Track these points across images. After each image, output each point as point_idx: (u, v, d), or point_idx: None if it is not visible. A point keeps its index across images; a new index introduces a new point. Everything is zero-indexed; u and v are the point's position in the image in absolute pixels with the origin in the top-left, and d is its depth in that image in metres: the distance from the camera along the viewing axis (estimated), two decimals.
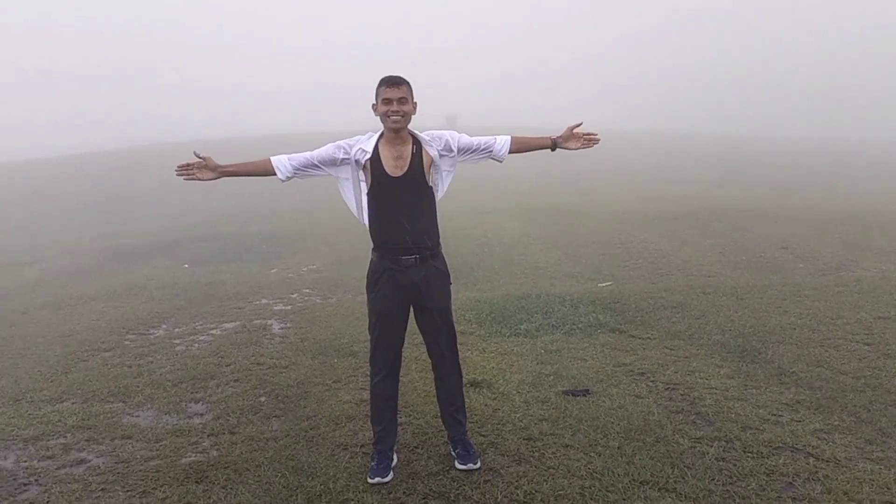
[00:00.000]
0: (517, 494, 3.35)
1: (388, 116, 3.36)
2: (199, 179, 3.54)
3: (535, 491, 3.37)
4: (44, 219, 20.68)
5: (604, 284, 8.64)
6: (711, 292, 7.57)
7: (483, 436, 4.00)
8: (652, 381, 4.89)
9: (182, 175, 3.53)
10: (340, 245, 12.49)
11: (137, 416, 4.65)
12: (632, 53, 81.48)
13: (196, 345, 6.50)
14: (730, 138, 43.13)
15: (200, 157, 3.52)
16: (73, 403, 4.93)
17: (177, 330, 7.15)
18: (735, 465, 3.56)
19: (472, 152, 3.62)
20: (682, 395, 4.61)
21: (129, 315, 7.91)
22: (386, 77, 3.41)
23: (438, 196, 3.58)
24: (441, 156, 3.52)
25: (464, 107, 58.90)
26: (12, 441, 4.31)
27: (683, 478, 3.44)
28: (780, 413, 4.23)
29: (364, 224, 3.60)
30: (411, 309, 3.61)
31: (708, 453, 3.70)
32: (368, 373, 3.84)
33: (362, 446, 3.92)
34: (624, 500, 3.27)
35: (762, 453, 3.67)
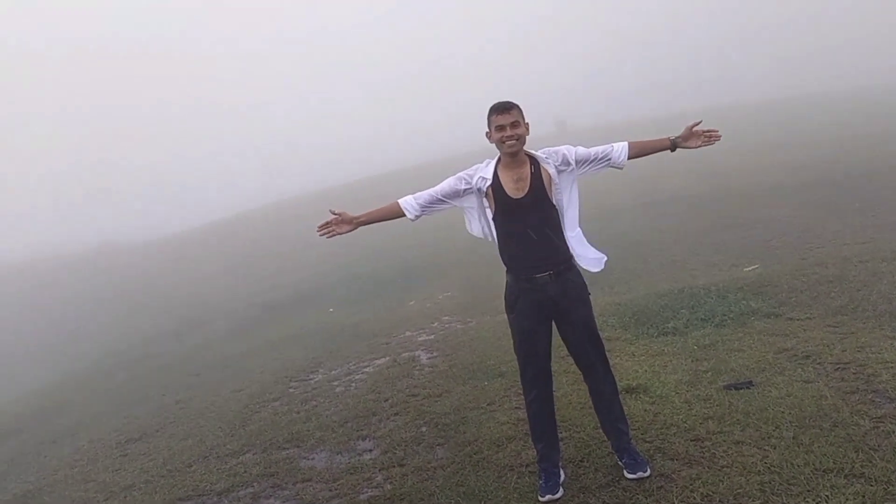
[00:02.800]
0: (693, 498, 3.27)
1: (504, 142, 3.42)
2: (339, 234, 3.74)
3: (712, 493, 3.28)
4: (196, 284, 22.34)
5: (750, 268, 8.26)
6: (869, 259, 7.06)
7: (648, 442, 3.93)
8: (819, 364, 4.63)
9: (323, 233, 3.75)
10: (471, 268, 12.67)
11: (313, 459, 4.93)
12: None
13: (353, 384, 6.79)
14: (822, 99, 40.11)
15: (336, 214, 3.72)
16: (254, 454, 5.29)
17: (333, 372, 7.51)
18: None
19: (590, 163, 3.60)
20: (854, 373, 4.33)
21: (289, 364, 8.40)
22: (496, 104, 3.48)
23: (574, 210, 3.57)
24: (560, 171, 3.53)
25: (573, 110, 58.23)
26: (207, 496, 4.69)
27: (870, 461, 3.23)
28: None
29: (495, 244, 3.66)
30: (553, 324, 3.63)
31: (894, 432, 3.46)
32: (521, 392, 3.89)
33: (527, 465, 3.96)
34: (808, 491, 3.12)
35: None
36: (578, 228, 3.62)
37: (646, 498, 3.36)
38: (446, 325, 8.80)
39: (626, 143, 3.61)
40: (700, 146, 3.62)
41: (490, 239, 3.69)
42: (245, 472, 4.94)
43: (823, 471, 3.24)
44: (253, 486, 4.65)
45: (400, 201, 3.73)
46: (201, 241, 33.84)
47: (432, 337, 8.26)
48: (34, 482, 6.24)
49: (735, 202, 13.36)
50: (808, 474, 3.24)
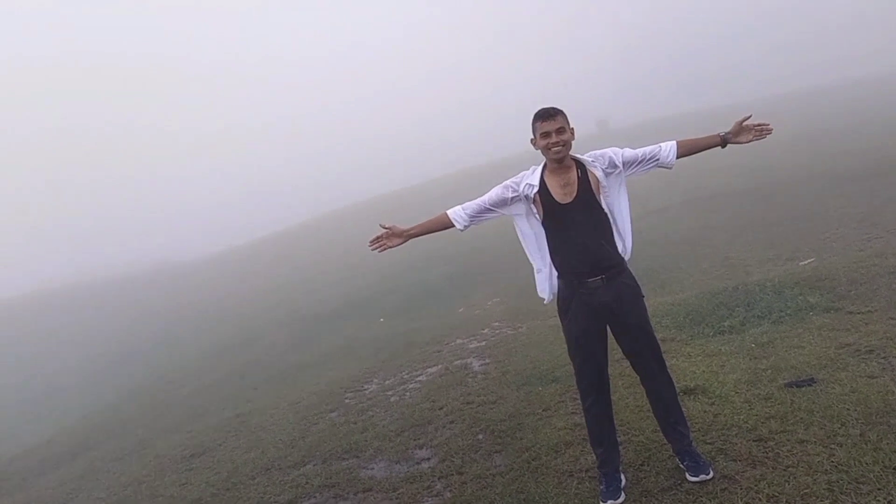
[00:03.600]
0: (759, 499, 3.22)
1: (550, 148, 3.42)
2: (390, 247, 3.80)
3: (778, 493, 3.22)
4: (249, 300, 22.78)
5: (806, 262, 8.07)
6: None
7: (709, 443, 3.88)
8: (883, 358, 4.51)
9: (375, 247, 3.81)
10: (518, 273, 12.64)
11: (372, 469, 4.99)
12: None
13: (408, 393, 6.85)
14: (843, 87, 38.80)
15: (386, 228, 3.78)
16: (314, 465, 5.38)
17: (387, 382, 7.58)
18: None
19: (637, 164, 3.58)
20: None
21: (343, 375, 8.51)
22: (540, 111, 3.48)
23: (624, 212, 3.56)
24: (607, 174, 3.52)
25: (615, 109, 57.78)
26: None
27: None
28: None
29: (545, 255, 3.67)
30: (608, 328, 3.62)
31: None
32: (576, 397, 3.87)
33: (587, 471, 3.95)
34: (879, 489, 3.04)
35: None
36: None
37: (710, 500, 3.32)
38: (496, 332, 8.81)
39: (674, 142, 3.58)
40: (751, 140, 3.56)
41: (534, 251, 3.68)
42: (307, 483, 5.03)
43: (893, 468, 3.16)
44: (315, 497, 4.74)
45: (448, 212, 3.76)
46: (252, 257, 34.50)
47: (483, 343, 8.28)
48: (105, 498, 6.44)
49: (785, 195, 13.06)
50: (878, 472, 3.16)
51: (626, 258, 3.58)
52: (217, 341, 16.82)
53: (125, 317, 26.81)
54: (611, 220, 3.55)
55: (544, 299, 3.74)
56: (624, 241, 3.57)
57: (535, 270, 3.74)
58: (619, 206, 3.56)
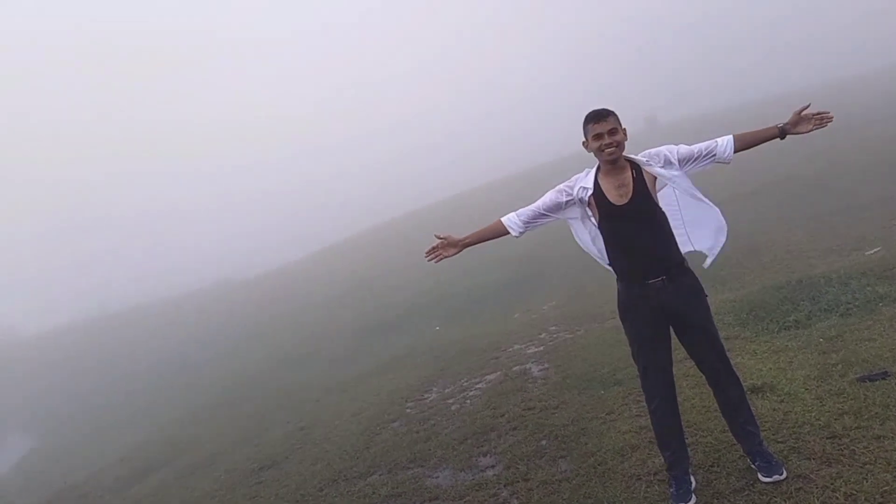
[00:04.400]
0: (836, 498, 3.13)
1: (603, 150, 3.40)
2: (446, 257, 3.83)
3: (856, 491, 3.12)
4: (307, 313, 23.14)
5: (872, 251, 7.81)
6: None
7: (780, 442, 3.79)
8: None
9: (431, 258, 3.85)
10: (572, 277, 12.57)
11: (437, 478, 5.02)
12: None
13: (468, 401, 6.87)
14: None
15: (441, 238, 3.81)
16: (380, 475, 5.44)
17: (447, 390, 7.62)
18: None
19: (694, 161, 3.52)
20: None
21: (403, 384, 8.58)
22: (591, 113, 3.46)
23: (701, 196, 3.53)
24: (664, 174, 3.48)
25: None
26: None
27: None
28: None
29: (604, 258, 3.65)
30: (671, 328, 3.56)
31: None
32: (640, 399, 3.82)
33: (655, 474, 3.90)
34: None
35: None
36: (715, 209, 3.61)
37: (784, 501, 3.24)
38: (554, 336, 8.76)
39: (731, 137, 3.50)
40: (811, 130, 3.46)
41: (595, 251, 3.67)
42: (374, 493, 5.09)
43: None
44: None
45: (503, 219, 3.77)
46: (308, 271, 35.06)
47: (541, 348, 8.25)
48: None
49: (846, 182, 12.66)
50: None
51: (715, 253, 3.58)
52: (277, 355, 17.13)
53: (188, 336, 27.53)
54: (668, 220, 3.50)
55: None
56: (713, 229, 3.59)
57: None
58: (695, 191, 3.52)
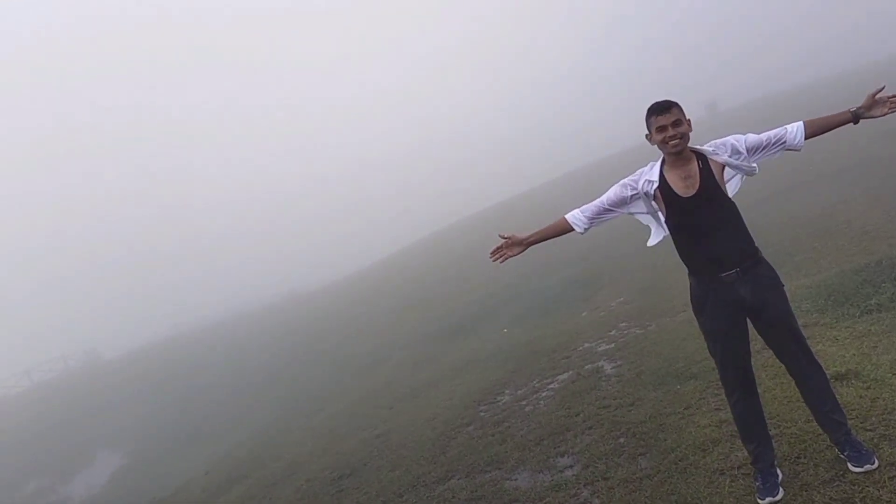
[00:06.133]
0: None
1: (667, 142, 3.36)
2: (511, 256, 3.85)
3: None
4: (375, 321, 23.43)
5: None
6: None
7: (869, 430, 3.67)
8: None
9: (496, 258, 3.87)
10: (639, 272, 12.37)
11: (516, 480, 5.03)
12: None
13: (541, 402, 6.85)
14: None
15: (505, 237, 3.84)
16: (458, 479, 5.49)
17: (519, 392, 7.61)
18: None
19: (763, 150, 3.44)
20: None
21: (474, 388, 8.61)
22: (654, 105, 3.42)
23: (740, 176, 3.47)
24: (732, 162, 3.42)
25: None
26: None
27: None
28: None
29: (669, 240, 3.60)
30: (748, 320, 3.49)
31: None
32: (718, 392, 3.75)
33: (740, 467, 3.82)
34: None
35: None
36: None
37: (878, 490, 3.14)
38: (624, 332, 8.65)
39: (801, 123, 3.41)
40: (887, 114, 3.34)
41: (667, 233, 3.63)
42: (453, 497, 5.13)
43: None
44: None
45: (567, 216, 3.77)
46: (371, 281, 35.51)
47: (612, 346, 8.15)
48: None
49: None
50: None
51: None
52: (347, 365, 17.40)
53: (258, 351, 28.20)
54: (738, 210, 3.43)
55: None
56: None
57: None
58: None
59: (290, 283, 57.16)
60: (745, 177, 3.51)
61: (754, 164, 3.45)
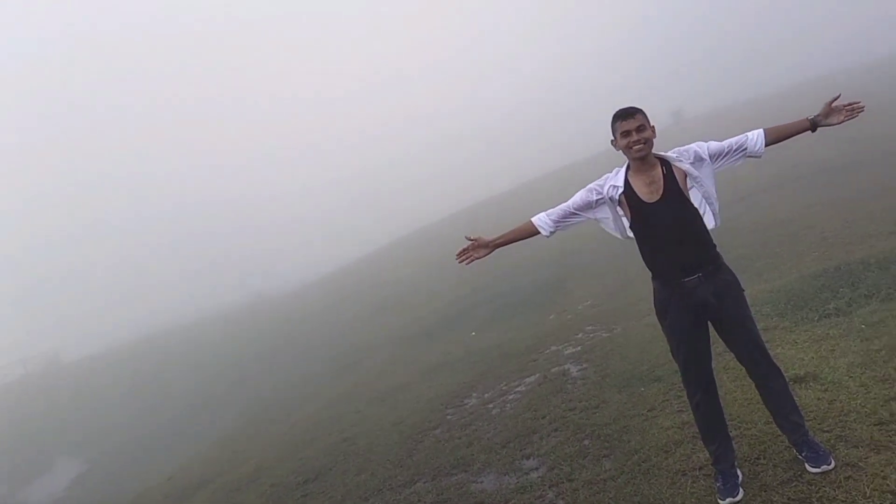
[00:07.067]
0: (887, 484, 3.10)
1: (631, 147, 3.40)
2: (477, 258, 3.87)
3: None
4: (343, 326, 23.33)
5: None
6: None
7: (826, 431, 3.75)
8: None
9: (462, 260, 3.89)
10: (606, 276, 12.51)
11: (482, 482, 5.05)
12: None
13: (508, 405, 6.88)
14: None
15: (472, 239, 3.86)
16: (424, 483, 5.48)
17: (486, 395, 7.63)
18: None
19: (725, 156, 3.50)
20: None
21: (442, 391, 8.61)
22: (619, 111, 3.46)
23: (715, 207, 3.48)
24: (695, 168, 3.47)
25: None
26: None
27: None
28: None
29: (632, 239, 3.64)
30: (709, 324, 3.55)
31: None
32: (681, 395, 3.81)
33: (701, 468, 3.88)
34: None
35: None
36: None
37: (834, 490, 3.21)
38: (591, 335, 8.73)
39: (761, 130, 3.49)
40: (843, 121, 3.44)
41: (630, 236, 3.66)
42: (419, 500, 5.13)
43: None
44: None
45: (533, 219, 3.80)
46: (345, 283, 35.32)
47: (579, 349, 8.22)
48: None
49: (882, 166, 12.43)
50: None
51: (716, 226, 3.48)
52: (315, 369, 17.30)
53: (226, 355, 27.89)
54: (700, 216, 3.47)
55: None
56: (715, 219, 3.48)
57: None
58: (712, 201, 3.47)
59: (258, 286, 56.63)
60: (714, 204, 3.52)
61: (712, 189, 3.49)
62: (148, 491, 11.60)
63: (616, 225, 3.65)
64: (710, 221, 3.48)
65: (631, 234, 3.63)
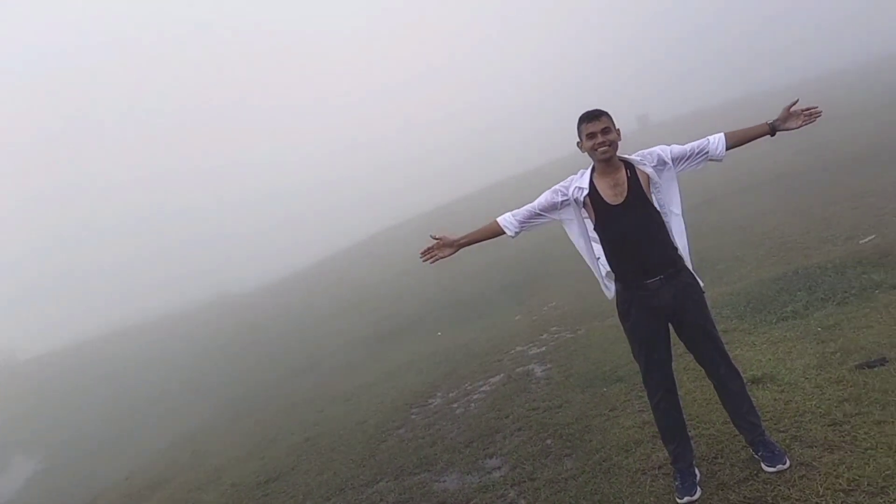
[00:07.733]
0: (839, 483, 3.17)
1: (596, 149, 3.43)
2: (442, 258, 3.86)
3: (859, 476, 3.16)
4: (309, 325, 23.16)
5: (866, 240, 7.87)
6: None
7: (782, 431, 3.83)
8: None
9: (426, 259, 3.88)
10: (571, 278, 12.61)
11: (444, 482, 5.05)
12: None
13: (472, 404, 6.90)
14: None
15: (437, 238, 3.85)
16: (387, 482, 5.46)
17: (451, 394, 7.64)
18: None
19: (687, 160, 3.55)
20: None
21: (407, 391, 8.60)
22: (585, 114, 3.49)
23: (676, 210, 3.51)
24: (658, 171, 3.51)
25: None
26: None
27: None
28: None
29: (595, 266, 3.68)
30: (670, 325, 3.59)
31: None
32: (642, 395, 3.84)
33: (660, 467, 3.93)
34: None
35: None
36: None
37: (788, 489, 3.27)
38: (556, 336, 8.80)
39: (722, 135, 3.54)
40: (801, 126, 3.51)
41: (588, 254, 3.68)
42: (381, 499, 5.11)
43: None
44: None
45: (498, 219, 3.80)
46: (310, 281, 35.07)
47: (543, 349, 8.28)
48: None
49: (840, 173, 12.74)
50: None
51: (688, 263, 3.50)
52: (280, 368, 17.15)
53: (188, 353, 27.51)
54: (665, 219, 3.51)
55: (608, 297, 3.73)
56: (680, 242, 3.50)
57: (593, 271, 3.74)
58: (672, 204, 3.50)
59: (221, 283, 55.91)
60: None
61: (673, 194, 3.53)
62: (106, 491, 11.39)
63: (579, 228, 3.66)
64: (677, 225, 3.51)
65: (594, 236, 3.65)
